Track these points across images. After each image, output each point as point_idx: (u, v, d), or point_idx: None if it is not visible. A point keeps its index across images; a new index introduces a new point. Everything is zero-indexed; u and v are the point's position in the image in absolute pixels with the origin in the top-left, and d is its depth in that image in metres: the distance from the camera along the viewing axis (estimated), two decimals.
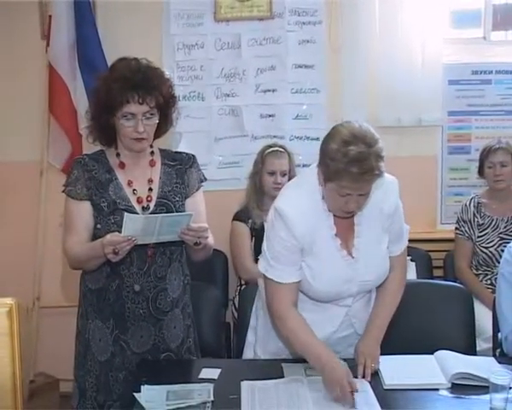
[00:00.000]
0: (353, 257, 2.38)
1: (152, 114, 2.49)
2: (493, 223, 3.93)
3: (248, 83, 4.37)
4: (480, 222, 3.95)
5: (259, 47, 4.34)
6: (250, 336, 2.69)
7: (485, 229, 3.93)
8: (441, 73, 4.35)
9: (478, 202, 3.99)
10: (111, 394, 2.56)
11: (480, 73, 4.47)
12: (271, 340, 2.57)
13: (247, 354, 2.69)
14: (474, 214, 3.97)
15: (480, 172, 4.04)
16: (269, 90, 4.38)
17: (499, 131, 4.41)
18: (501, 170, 3.91)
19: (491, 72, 4.47)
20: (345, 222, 2.38)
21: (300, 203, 2.35)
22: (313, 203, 2.35)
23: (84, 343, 2.61)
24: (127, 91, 2.43)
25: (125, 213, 2.33)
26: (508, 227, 3.90)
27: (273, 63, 4.36)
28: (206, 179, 2.71)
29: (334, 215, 2.35)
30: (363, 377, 2.31)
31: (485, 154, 3.98)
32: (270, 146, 3.96)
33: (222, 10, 4.30)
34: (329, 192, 2.27)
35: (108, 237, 2.34)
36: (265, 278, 2.41)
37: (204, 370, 2.38)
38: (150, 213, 2.51)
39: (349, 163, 2.14)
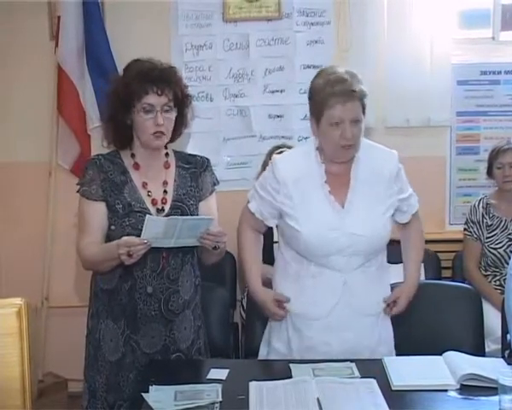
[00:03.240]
0: (343, 208, 2.48)
1: (170, 107, 2.51)
2: (502, 224, 3.92)
3: (256, 83, 4.37)
4: (489, 223, 3.94)
5: (268, 47, 4.35)
6: (266, 333, 2.74)
7: (494, 230, 3.92)
8: (450, 73, 4.35)
9: (487, 203, 3.98)
10: (121, 394, 2.56)
11: (489, 73, 4.46)
12: (283, 329, 2.61)
13: (262, 350, 2.71)
14: (483, 215, 3.96)
15: (489, 172, 4.03)
16: (277, 91, 4.38)
17: (508, 132, 4.40)
18: (510, 171, 3.90)
19: (499, 72, 4.46)
20: (340, 179, 2.51)
21: (293, 157, 2.64)
22: (306, 156, 2.55)
23: (95, 344, 2.61)
24: (146, 83, 2.47)
25: (147, 215, 2.34)
26: None
27: (281, 64, 4.36)
28: (218, 183, 2.73)
29: (334, 162, 2.50)
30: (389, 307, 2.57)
31: (495, 154, 3.97)
32: (279, 146, 3.96)
33: (230, 11, 4.31)
34: (324, 132, 2.45)
35: (125, 238, 2.35)
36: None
37: (212, 370, 2.37)
38: (165, 216, 2.51)
39: (332, 85, 2.39)
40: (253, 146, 4.37)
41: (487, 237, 3.93)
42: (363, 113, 2.45)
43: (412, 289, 2.64)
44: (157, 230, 2.32)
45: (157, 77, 2.48)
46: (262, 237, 2.81)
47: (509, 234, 3.89)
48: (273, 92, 4.38)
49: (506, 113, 4.47)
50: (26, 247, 4.38)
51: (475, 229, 3.97)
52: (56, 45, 4.18)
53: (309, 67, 4.36)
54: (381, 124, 4.36)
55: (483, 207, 3.98)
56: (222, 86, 4.37)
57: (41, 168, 4.33)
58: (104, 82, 2.89)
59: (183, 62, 4.32)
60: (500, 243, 3.89)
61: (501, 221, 3.93)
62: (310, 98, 2.51)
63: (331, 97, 2.38)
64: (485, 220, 3.95)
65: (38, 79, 4.30)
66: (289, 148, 3.92)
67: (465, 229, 4.03)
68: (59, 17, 4.15)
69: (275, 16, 4.32)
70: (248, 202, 2.69)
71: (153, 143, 2.53)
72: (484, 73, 4.46)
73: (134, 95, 2.47)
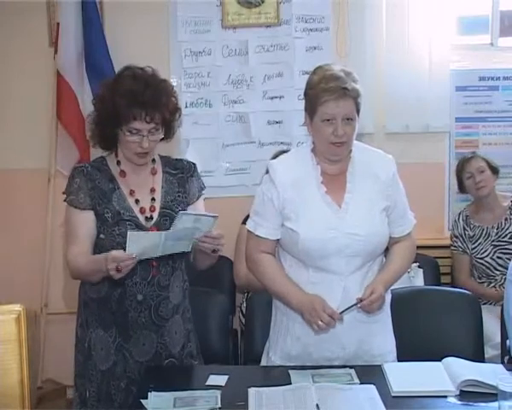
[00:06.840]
0: (340, 208, 2.47)
1: (157, 130, 2.49)
2: (484, 232, 3.93)
3: (256, 89, 4.38)
4: (471, 234, 3.96)
5: (267, 54, 4.35)
6: (266, 344, 2.71)
7: (478, 239, 3.94)
8: (448, 79, 4.36)
9: (466, 215, 4.02)
10: (112, 403, 2.54)
11: (488, 79, 4.46)
12: (281, 339, 2.58)
13: (262, 362, 2.69)
14: (464, 228, 3.98)
15: (461, 188, 4.06)
16: (276, 97, 4.38)
17: (506, 138, 4.43)
18: (480, 176, 3.93)
19: (498, 78, 4.46)
20: (337, 179, 2.50)
21: (289, 160, 2.61)
22: (302, 159, 2.55)
23: (84, 352, 2.59)
24: (134, 108, 2.41)
25: (128, 231, 2.30)
26: (499, 233, 3.92)
27: (280, 70, 4.37)
28: (205, 187, 2.72)
29: (328, 159, 2.49)
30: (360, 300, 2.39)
31: (461, 167, 4.03)
32: (284, 151, 3.94)
33: (229, 17, 4.31)
34: (316, 128, 2.46)
35: (113, 253, 2.30)
36: (247, 230, 2.60)
37: (211, 377, 2.37)
38: (154, 224, 2.51)
39: (326, 82, 2.40)
40: (252, 152, 4.38)
41: (473, 249, 3.95)
42: (357, 112, 2.45)
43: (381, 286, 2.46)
44: (140, 244, 2.29)
45: (147, 100, 2.41)
46: None
47: (493, 241, 3.91)
48: (272, 98, 4.39)
49: (505, 118, 4.47)
50: (25, 253, 4.38)
51: (459, 243, 3.99)
52: (55, 52, 4.18)
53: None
54: (380, 130, 4.36)
55: (463, 219, 4.01)
56: (221, 92, 4.37)
57: (40, 175, 4.33)
58: None
59: (182, 68, 4.33)
60: (485, 251, 3.90)
61: (482, 230, 3.94)
62: (305, 94, 2.53)
63: (324, 94, 2.40)
64: (467, 232, 3.97)
65: (37, 85, 4.31)
66: None
67: (451, 244, 4.06)
68: (58, 24, 4.15)
69: (274, 23, 4.33)
70: (250, 234, 2.59)
71: (137, 161, 2.53)
72: (482, 78, 4.47)
73: (121, 117, 2.43)
